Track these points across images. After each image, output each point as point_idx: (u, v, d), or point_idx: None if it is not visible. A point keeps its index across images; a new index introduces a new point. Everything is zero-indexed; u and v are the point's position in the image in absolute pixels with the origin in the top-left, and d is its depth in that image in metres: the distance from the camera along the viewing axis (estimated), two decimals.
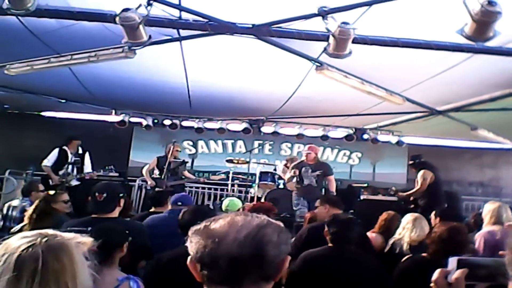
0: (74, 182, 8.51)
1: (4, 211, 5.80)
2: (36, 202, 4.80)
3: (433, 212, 5.61)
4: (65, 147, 8.66)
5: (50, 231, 1.50)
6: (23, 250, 1.39)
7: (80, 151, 8.80)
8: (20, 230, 4.58)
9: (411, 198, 8.40)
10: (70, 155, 8.62)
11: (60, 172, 8.39)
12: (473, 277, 1.62)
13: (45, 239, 1.44)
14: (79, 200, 5.32)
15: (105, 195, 3.85)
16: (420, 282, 2.07)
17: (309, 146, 8.60)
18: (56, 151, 8.60)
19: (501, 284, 1.52)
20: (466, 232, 3.71)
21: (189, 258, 1.37)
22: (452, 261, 1.65)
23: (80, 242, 1.54)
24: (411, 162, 8.99)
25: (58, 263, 1.41)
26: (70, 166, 8.52)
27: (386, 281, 3.85)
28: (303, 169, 8.29)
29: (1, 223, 5.73)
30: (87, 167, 8.80)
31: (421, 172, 8.40)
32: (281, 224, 1.43)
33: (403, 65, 5.82)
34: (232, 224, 1.35)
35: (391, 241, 4.91)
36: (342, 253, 3.86)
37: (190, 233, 1.39)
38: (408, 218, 4.93)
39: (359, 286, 3.77)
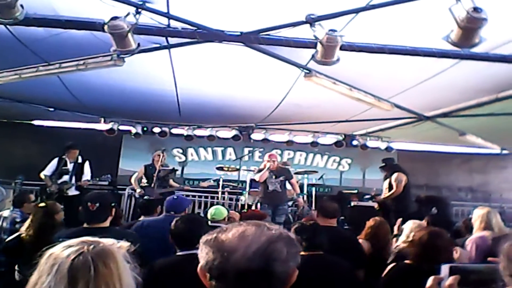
0: (73, 192, 8.44)
1: None
2: (35, 215, 4.66)
3: (425, 218, 5.62)
4: (64, 157, 8.60)
5: (90, 238, 1.56)
6: (74, 259, 1.44)
7: (80, 160, 8.74)
8: (17, 239, 4.51)
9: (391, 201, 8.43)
10: (69, 165, 8.57)
11: (59, 181, 8.33)
12: (465, 283, 1.63)
13: (91, 246, 1.51)
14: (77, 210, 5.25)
15: (97, 205, 3.79)
16: None
17: (270, 154, 8.59)
18: (55, 161, 8.55)
19: None
20: (448, 237, 3.57)
21: (199, 266, 1.40)
22: (445, 268, 1.67)
23: (119, 247, 1.62)
24: (383, 164, 9.00)
25: (106, 269, 1.48)
26: (68, 175, 8.46)
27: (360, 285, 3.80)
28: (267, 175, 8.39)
29: None
30: (86, 175, 8.74)
31: (395, 175, 8.44)
32: (292, 236, 1.45)
33: (391, 71, 5.86)
34: (242, 238, 1.36)
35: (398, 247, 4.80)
36: (318, 260, 3.70)
37: (201, 242, 1.42)
38: (410, 225, 4.89)
39: None
